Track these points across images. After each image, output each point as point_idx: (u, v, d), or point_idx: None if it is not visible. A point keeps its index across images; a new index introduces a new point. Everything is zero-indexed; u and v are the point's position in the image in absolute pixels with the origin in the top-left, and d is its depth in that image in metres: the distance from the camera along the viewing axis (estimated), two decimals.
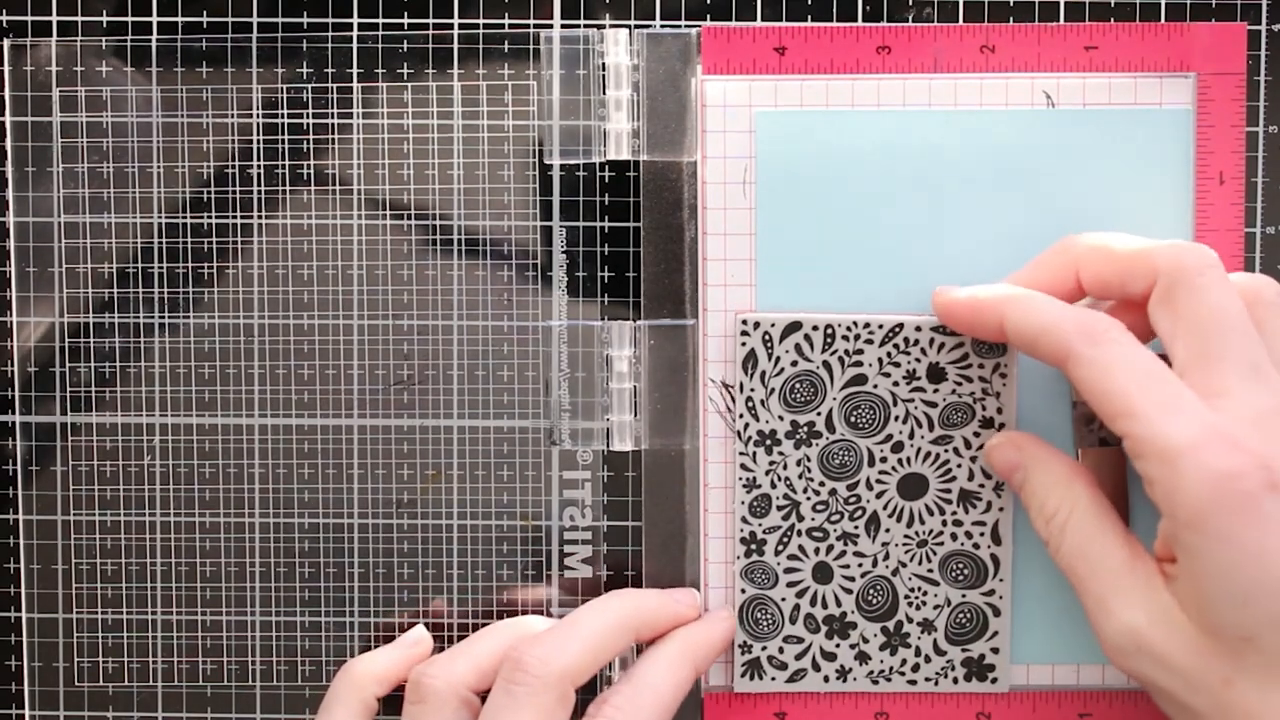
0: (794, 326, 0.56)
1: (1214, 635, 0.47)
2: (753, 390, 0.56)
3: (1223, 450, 0.46)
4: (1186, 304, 0.49)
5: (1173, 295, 0.49)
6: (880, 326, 0.56)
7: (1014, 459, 0.55)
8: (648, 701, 0.52)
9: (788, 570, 0.57)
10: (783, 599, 0.57)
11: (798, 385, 0.56)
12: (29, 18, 0.58)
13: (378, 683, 0.55)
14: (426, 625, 0.58)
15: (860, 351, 0.56)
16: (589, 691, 0.56)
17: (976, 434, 0.56)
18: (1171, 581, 0.49)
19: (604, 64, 0.57)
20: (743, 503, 0.57)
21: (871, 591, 0.57)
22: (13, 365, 0.59)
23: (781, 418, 0.56)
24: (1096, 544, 0.51)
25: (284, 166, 0.58)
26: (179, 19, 0.58)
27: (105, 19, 0.58)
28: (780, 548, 0.57)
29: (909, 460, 0.56)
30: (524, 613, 0.58)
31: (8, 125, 0.58)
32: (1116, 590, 0.50)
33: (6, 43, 0.58)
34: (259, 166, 0.58)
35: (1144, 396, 0.47)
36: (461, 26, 0.58)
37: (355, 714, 0.54)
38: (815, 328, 0.56)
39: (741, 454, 0.57)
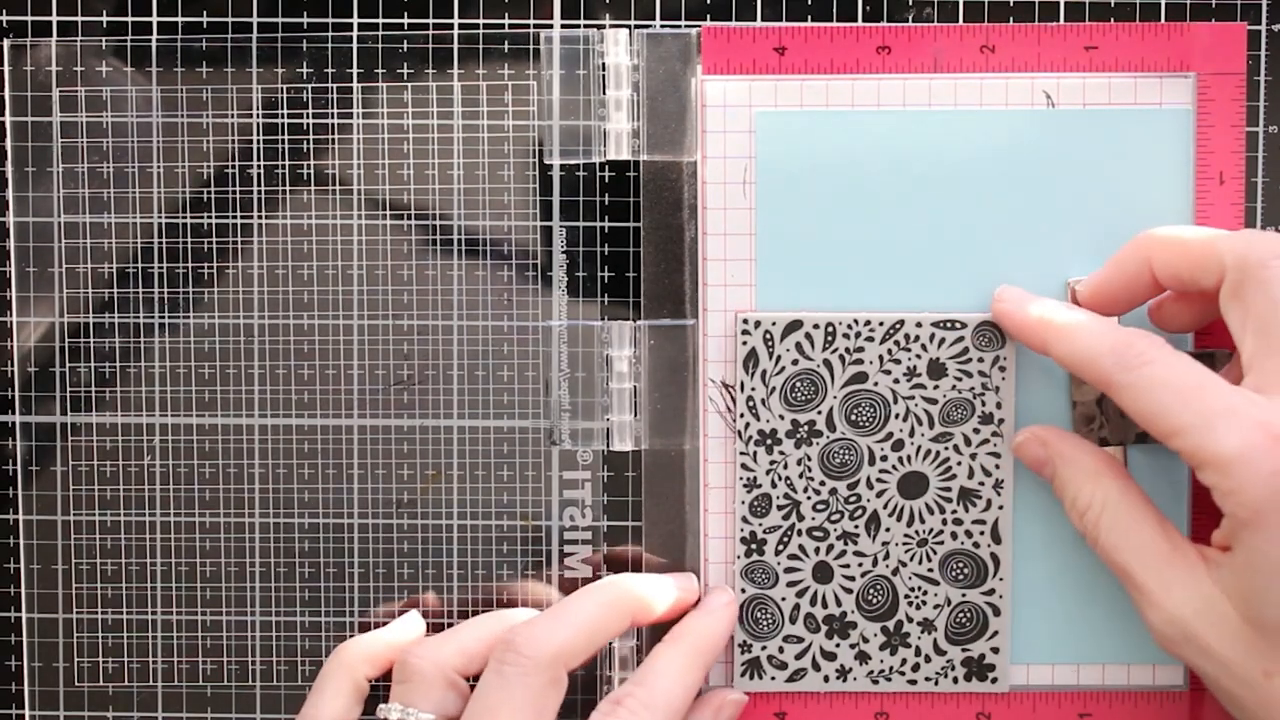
0: (795, 325, 0.56)
1: (1258, 628, 0.48)
2: (753, 389, 0.56)
3: (1274, 450, 0.46)
4: (1253, 298, 0.49)
5: (1241, 289, 0.49)
6: (881, 324, 0.56)
7: (1040, 455, 0.55)
8: (661, 702, 0.52)
9: (788, 570, 0.57)
10: (783, 599, 0.57)
11: (798, 384, 0.56)
12: (29, 18, 0.58)
13: (369, 663, 0.55)
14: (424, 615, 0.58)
15: (861, 349, 0.56)
16: (590, 690, 0.57)
17: (976, 430, 0.56)
18: (1216, 569, 0.49)
19: (604, 64, 0.57)
20: (743, 502, 0.57)
21: (871, 591, 0.57)
22: (13, 365, 0.59)
23: (782, 417, 0.56)
24: (1133, 537, 0.51)
25: (284, 166, 0.58)
26: (179, 19, 0.58)
27: (105, 19, 0.58)
28: (780, 547, 0.57)
29: (909, 458, 0.56)
30: None
31: (8, 125, 0.58)
32: (1160, 582, 0.50)
33: (6, 43, 0.58)
34: (259, 166, 0.58)
35: (1187, 412, 0.48)
36: (461, 26, 0.58)
37: (346, 693, 0.54)
38: (816, 326, 0.56)
39: (742, 453, 0.57)
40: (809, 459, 0.56)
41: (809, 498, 0.57)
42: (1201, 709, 0.57)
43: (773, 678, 0.57)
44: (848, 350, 0.56)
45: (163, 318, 0.59)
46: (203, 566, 0.59)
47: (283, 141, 0.58)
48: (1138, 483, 0.53)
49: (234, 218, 0.58)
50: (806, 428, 0.56)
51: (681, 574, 0.58)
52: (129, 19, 0.58)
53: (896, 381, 0.56)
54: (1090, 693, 0.57)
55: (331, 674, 0.54)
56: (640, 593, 0.55)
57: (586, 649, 0.52)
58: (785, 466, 0.56)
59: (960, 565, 0.56)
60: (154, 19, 0.58)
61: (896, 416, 0.56)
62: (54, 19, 0.58)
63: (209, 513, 0.59)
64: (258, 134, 0.58)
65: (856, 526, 0.57)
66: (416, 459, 0.59)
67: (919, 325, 0.56)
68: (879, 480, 0.56)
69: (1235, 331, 0.50)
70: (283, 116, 0.58)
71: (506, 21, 0.58)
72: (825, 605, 0.57)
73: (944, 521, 0.56)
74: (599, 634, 0.53)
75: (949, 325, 0.56)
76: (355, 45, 0.58)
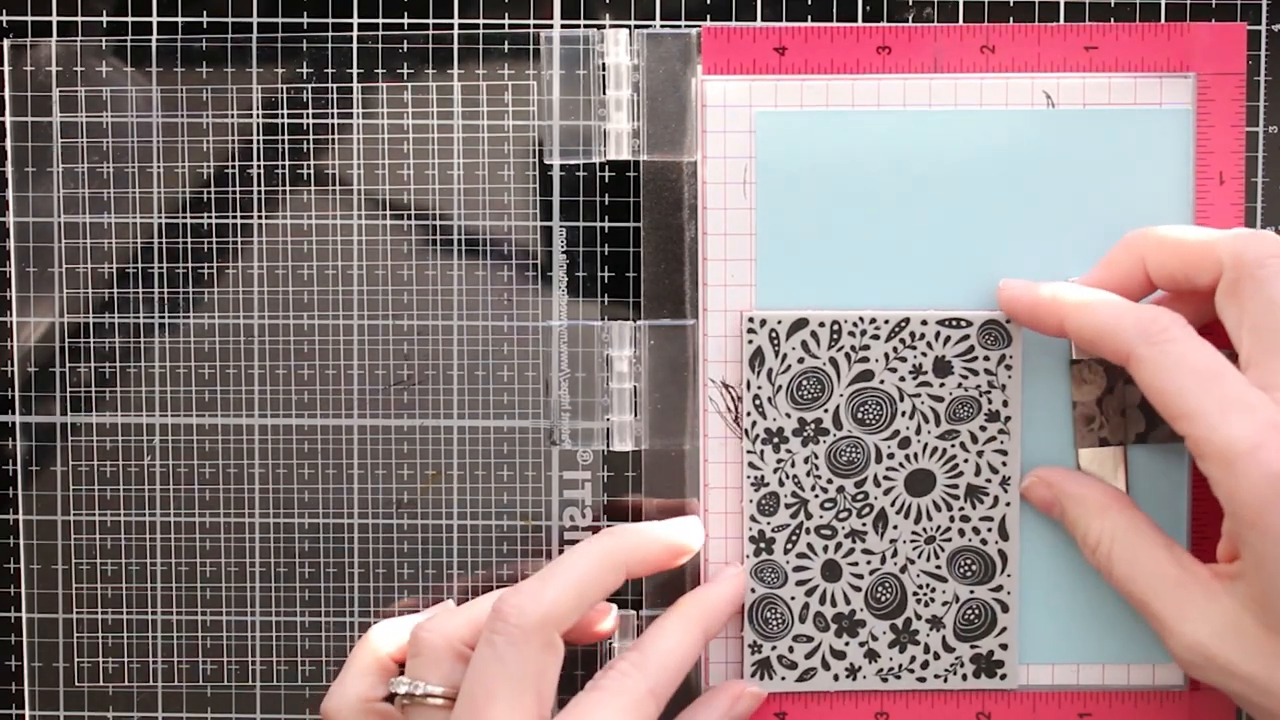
0: (800, 323, 0.56)
1: (1279, 632, 0.48)
2: (760, 388, 0.56)
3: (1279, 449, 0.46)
4: (1250, 297, 0.49)
5: (1237, 288, 0.49)
6: (886, 321, 0.56)
7: (1047, 496, 0.55)
8: (655, 664, 0.51)
9: (797, 569, 0.57)
10: (792, 598, 0.57)
11: (805, 382, 0.56)
12: (29, 18, 0.58)
13: (396, 645, 0.55)
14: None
15: (867, 347, 0.56)
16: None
17: (983, 428, 0.56)
18: (1232, 582, 0.49)
19: (604, 64, 0.57)
20: (751, 501, 0.57)
21: (880, 589, 0.57)
22: (13, 365, 0.59)
23: (789, 415, 0.56)
24: (1143, 567, 0.51)
25: (284, 166, 0.58)
26: (179, 19, 0.58)
27: (105, 19, 0.58)
28: (789, 546, 0.57)
29: (916, 456, 0.56)
30: None
31: (8, 125, 0.58)
32: (1175, 609, 0.50)
33: (6, 43, 0.58)
34: (259, 166, 0.58)
35: (1202, 397, 0.48)
36: (461, 26, 0.58)
37: (371, 672, 0.54)
38: (822, 324, 0.56)
39: (749, 452, 0.57)
40: (816, 457, 0.56)
41: (816, 496, 0.57)
42: (1202, 709, 0.57)
43: (783, 678, 0.57)
44: (854, 348, 0.56)
45: (163, 318, 0.58)
46: (203, 566, 0.59)
47: (283, 141, 0.58)
48: (1142, 486, 0.53)
49: (234, 218, 0.58)
50: (813, 426, 0.56)
51: (686, 517, 0.57)
52: (129, 19, 0.58)
53: (902, 379, 0.56)
54: (1090, 692, 0.58)
55: (359, 654, 0.55)
56: (633, 542, 0.54)
57: (577, 608, 0.51)
58: (792, 465, 0.56)
59: (968, 562, 0.57)
60: (154, 19, 0.58)
61: (903, 414, 0.56)
62: (54, 19, 0.58)
63: (209, 513, 0.59)
64: (258, 134, 0.58)
65: (864, 524, 0.57)
66: (416, 459, 0.59)
67: (924, 323, 0.56)
68: (886, 478, 0.56)
69: (1231, 330, 0.50)
70: (283, 116, 0.58)
71: (506, 21, 0.58)
72: (834, 604, 0.57)
73: (951, 519, 0.56)
74: (590, 590, 0.52)
75: (954, 323, 0.56)
76: (355, 45, 0.58)
